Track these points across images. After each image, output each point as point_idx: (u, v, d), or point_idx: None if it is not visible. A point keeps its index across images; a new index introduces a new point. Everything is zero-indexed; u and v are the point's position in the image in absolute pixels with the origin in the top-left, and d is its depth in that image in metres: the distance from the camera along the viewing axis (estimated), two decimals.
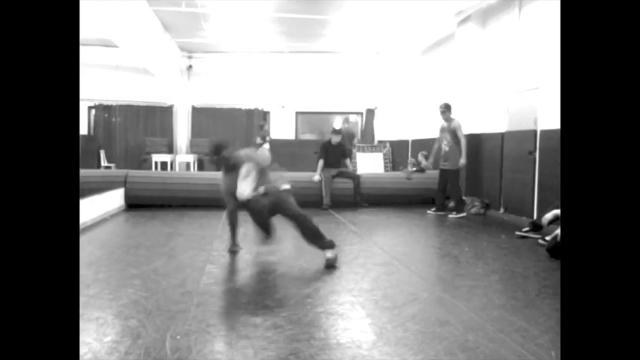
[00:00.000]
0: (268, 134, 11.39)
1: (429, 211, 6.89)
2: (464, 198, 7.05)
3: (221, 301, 2.91)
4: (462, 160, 6.65)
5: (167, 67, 10.41)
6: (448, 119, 6.82)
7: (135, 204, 7.08)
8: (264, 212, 3.90)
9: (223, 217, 6.32)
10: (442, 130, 6.92)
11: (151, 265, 3.74)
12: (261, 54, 12.27)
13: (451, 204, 6.94)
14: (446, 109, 6.83)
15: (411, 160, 9.38)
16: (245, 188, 3.81)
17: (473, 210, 6.98)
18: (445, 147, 6.80)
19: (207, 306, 2.82)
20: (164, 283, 3.25)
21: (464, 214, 6.66)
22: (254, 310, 2.79)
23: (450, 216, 6.61)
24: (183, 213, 6.61)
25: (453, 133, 6.70)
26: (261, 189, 3.87)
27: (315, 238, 3.79)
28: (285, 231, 4.68)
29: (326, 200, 7.22)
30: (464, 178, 7.66)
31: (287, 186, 4.03)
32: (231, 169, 3.95)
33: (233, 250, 4.20)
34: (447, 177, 6.81)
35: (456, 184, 6.77)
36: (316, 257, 3.86)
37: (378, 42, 11.04)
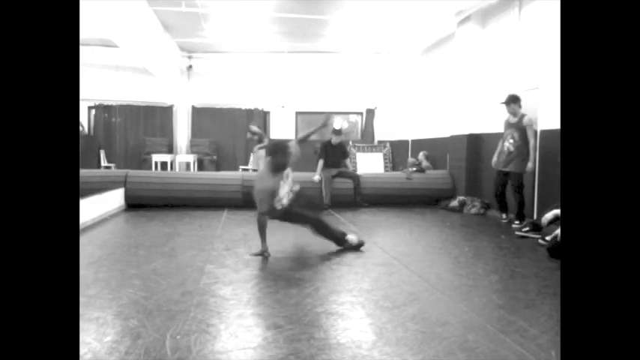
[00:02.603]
0: (261, 134, 10.98)
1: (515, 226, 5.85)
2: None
3: (221, 301, 2.91)
4: (530, 164, 5.68)
5: (167, 67, 10.41)
6: (516, 113, 5.79)
7: (135, 204, 7.08)
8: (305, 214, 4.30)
9: (223, 217, 6.34)
10: (508, 126, 5.91)
11: (151, 265, 3.74)
12: (261, 54, 12.27)
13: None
14: (511, 101, 5.78)
15: (410, 160, 9.40)
16: (284, 194, 4.14)
17: (473, 210, 6.97)
18: (510, 146, 5.82)
19: (207, 306, 2.82)
20: (164, 283, 3.25)
21: (526, 228, 5.29)
22: (254, 309, 2.79)
23: (514, 227, 5.70)
24: (183, 213, 6.60)
25: (522, 131, 5.71)
26: (294, 188, 4.34)
27: (331, 235, 4.34)
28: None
29: (326, 200, 7.22)
30: (463, 179, 7.67)
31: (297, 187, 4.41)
32: (280, 169, 4.12)
33: (263, 255, 4.06)
34: (508, 180, 5.93)
35: (518, 190, 5.84)
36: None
37: (378, 42, 11.04)
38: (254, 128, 10.68)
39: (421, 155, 9.12)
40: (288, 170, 4.22)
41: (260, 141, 10.57)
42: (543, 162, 5.97)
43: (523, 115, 5.77)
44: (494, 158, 6.13)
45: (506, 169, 5.90)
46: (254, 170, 10.15)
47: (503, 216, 6.22)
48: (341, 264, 3.88)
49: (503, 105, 5.92)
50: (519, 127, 5.75)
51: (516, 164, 5.79)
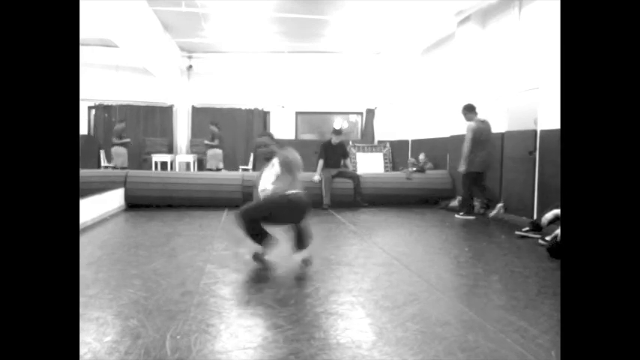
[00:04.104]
0: (217, 135, 11.02)
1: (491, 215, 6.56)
2: (475, 201, 6.85)
3: (221, 301, 2.91)
4: (461, 167, 6.49)
5: (167, 67, 10.41)
6: (469, 120, 6.54)
7: (135, 204, 7.08)
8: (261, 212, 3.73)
9: (223, 217, 6.34)
10: None
11: (151, 265, 3.74)
12: (261, 54, 12.27)
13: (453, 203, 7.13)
14: (465, 110, 6.59)
15: (410, 160, 9.39)
16: (265, 183, 3.75)
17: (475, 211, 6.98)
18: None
19: (207, 306, 2.82)
20: (164, 283, 3.25)
21: (471, 217, 6.49)
22: (254, 309, 2.79)
23: (456, 216, 6.63)
24: (183, 213, 6.60)
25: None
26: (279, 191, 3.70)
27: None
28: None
29: (326, 200, 7.22)
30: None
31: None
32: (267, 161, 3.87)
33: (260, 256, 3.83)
34: (478, 179, 6.55)
35: (464, 185, 6.64)
36: (316, 257, 3.86)
37: (378, 42, 11.04)
38: (213, 128, 10.92)
39: (422, 157, 9.11)
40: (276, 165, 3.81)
41: (212, 139, 10.84)
42: (543, 162, 5.97)
43: (470, 122, 6.49)
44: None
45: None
46: (210, 170, 10.49)
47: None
48: (341, 264, 3.88)
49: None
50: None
51: (464, 164, 6.47)
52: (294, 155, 3.84)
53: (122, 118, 11.09)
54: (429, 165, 8.77)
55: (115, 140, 10.46)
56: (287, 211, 3.70)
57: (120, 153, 10.41)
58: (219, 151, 10.93)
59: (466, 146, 6.40)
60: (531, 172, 6.19)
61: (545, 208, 5.25)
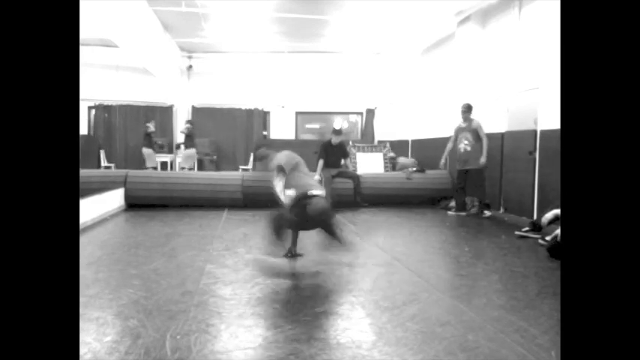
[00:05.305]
0: (191, 132, 10.95)
1: (449, 212, 6.95)
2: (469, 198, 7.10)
3: (221, 301, 2.91)
4: (483, 159, 6.68)
5: (167, 67, 10.41)
6: (467, 119, 6.86)
7: (135, 204, 7.08)
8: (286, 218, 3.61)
9: (223, 217, 6.34)
10: (460, 130, 6.93)
11: (151, 265, 3.74)
12: (261, 54, 12.27)
13: (473, 203, 7.06)
14: (467, 109, 6.86)
15: (410, 160, 9.39)
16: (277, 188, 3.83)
17: (473, 210, 6.97)
18: (467, 147, 6.79)
19: (207, 306, 2.82)
20: (164, 283, 3.25)
21: (490, 214, 6.72)
22: (254, 309, 2.79)
23: (485, 213, 6.72)
24: (183, 213, 6.60)
25: (475, 133, 6.74)
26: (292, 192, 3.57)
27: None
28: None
29: None
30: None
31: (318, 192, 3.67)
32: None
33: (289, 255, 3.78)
34: (470, 177, 6.82)
35: (481, 184, 6.79)
36: (317, 257, 3.86)
37: (378, 42, 11.04)
38: (188, 126, 10.97)
39: (390, 154, 9.17)
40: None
41: (189, 137, 10.89)
42: (543, 162, 5.98)
43: (472, 120, 6.84)
44: (443, 160, 7.37)
45: (467, 168, 6.82)
46: (183, 169, 10.61)
47: (463, 214, 6.85)
48: (341, 264, 3.87)
49: (464, 113, 6.93)
50: (472, 130, 6.77)
51: (475, 162, 6.72)
52: (282, 155, 3.89)
53: (148, 119, 11.23)
54: (404, 160, 8.79)
55: (146, 142, 10.64)
56: (311, 222, 3.58)
57: (147, 154, 10.54)
58: (193, 151, 10.95)
59: (486, 140, 6.69)
60: (531, 172, 6.19)
61: (545, 208, 5.25)
